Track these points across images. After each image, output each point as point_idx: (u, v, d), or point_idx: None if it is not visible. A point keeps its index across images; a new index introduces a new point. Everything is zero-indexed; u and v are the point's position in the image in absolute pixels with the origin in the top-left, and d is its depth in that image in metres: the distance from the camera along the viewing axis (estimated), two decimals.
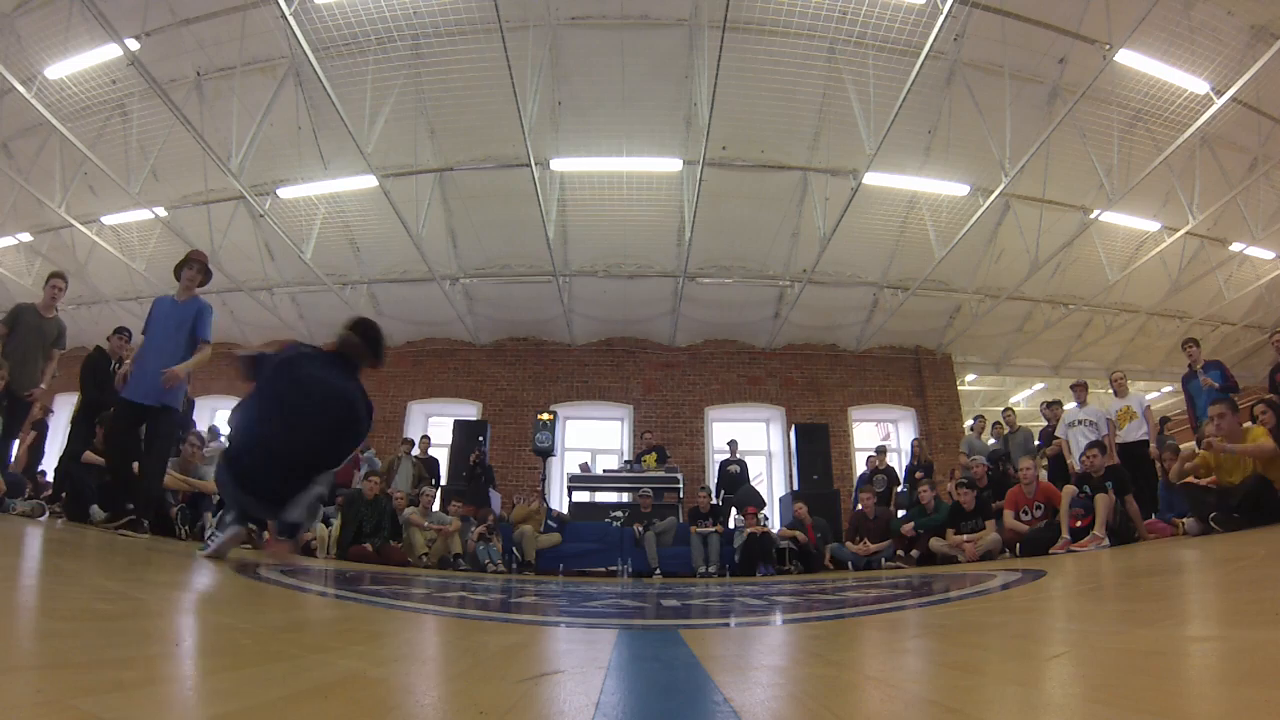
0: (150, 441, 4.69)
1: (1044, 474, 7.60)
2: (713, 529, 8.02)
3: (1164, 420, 8.11)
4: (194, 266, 4.73)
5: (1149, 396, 14.31)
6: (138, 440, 4.69)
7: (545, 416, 9.74)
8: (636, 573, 7.68)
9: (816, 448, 10.40)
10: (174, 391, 4.63)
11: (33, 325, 5.55)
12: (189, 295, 4.77)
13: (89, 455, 5.53)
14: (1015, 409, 11.67)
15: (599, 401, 12.65)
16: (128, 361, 4.77)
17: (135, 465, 4.67)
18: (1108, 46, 6.76)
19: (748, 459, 11.15)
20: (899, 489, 9.26)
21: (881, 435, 13.84)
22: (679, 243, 10.15)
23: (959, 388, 13.51)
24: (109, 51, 7.28)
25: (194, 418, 7.73)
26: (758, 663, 1.28)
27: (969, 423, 10.53)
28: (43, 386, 5.61)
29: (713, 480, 10.96)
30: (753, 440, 12.88)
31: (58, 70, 7.70)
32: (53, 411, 7.25)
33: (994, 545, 6.50)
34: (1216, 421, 5.10)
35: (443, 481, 9.70)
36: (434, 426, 12.25)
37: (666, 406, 12.58)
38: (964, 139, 8.53)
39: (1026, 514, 6.39)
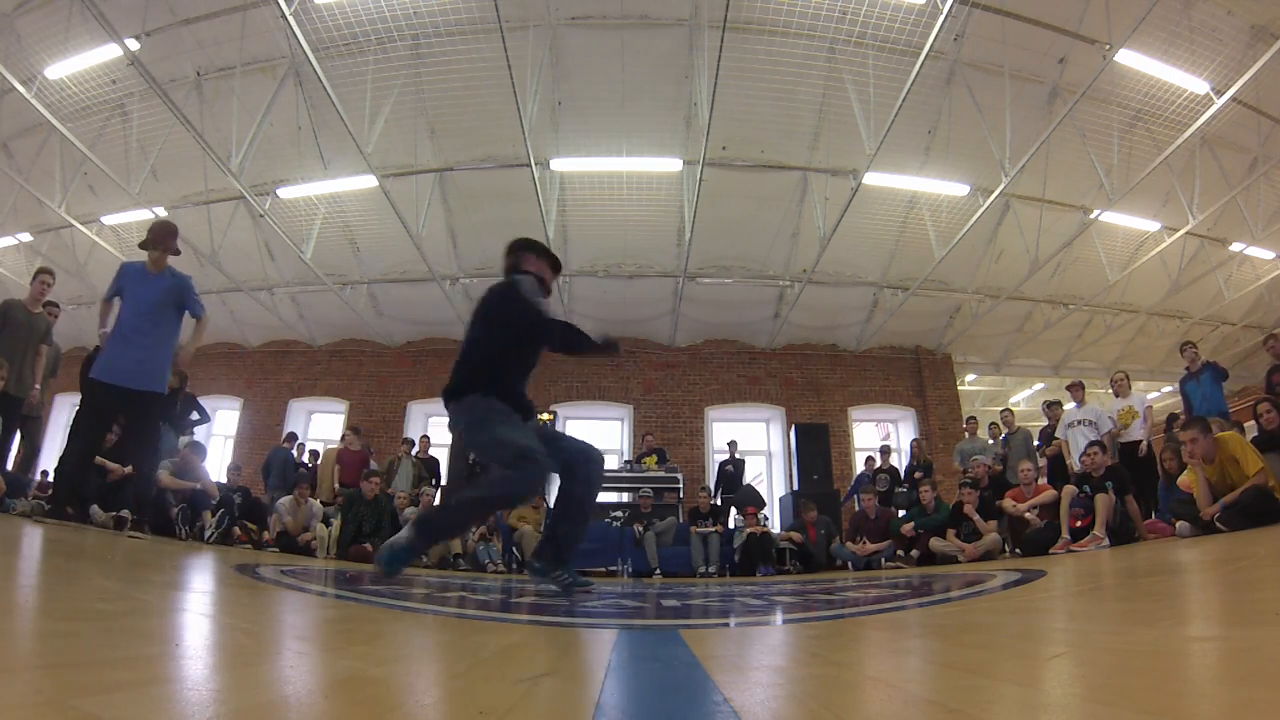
0: (140, 432, 4.54)
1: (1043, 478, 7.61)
2: (713, 529, 8.02)
3: (1173, 417, 8.09)
4: (159, 246, 4.54)
5: (1150, 396, 14.32)
6: (108, 430, 4.51)
7: (545, 416, 9.75)
8: (636, 573, 7.69)
9: (816, 448, 10.41)
10: (164, 375, 4.48)
11: (22, 321, 5.54)
12: (162, 267, 4.55)
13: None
14: (1014, 409, 11.67)
15: (599, 401, 12.65)
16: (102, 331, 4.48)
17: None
18: (1108, 46, 6.76)
19: (748, 459, 11.17)
20: (900, 489, 9.26)
21: (881, 435, 13.84)
22: (679, 243, 10.15)
23: (959, 388, 13.51)
24: (109, 51, 7.29)
25: (203, 414, 7.70)
26: (758, 663, 1.28)
27: (965, 423, 10.51)
28: (38, 386, 5.60)
29: (712, 480, 10.98)
30: (753, 440, 12.89)
31: (58, 70, 7.71)
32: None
33: (994, 545, 6.51)
34: (1189, 447, 5.09)
35: (443, 481, 9.70)
36: (434, 427, 12.25)
37: (666, 406, 12.58)
38: (964, 139, 8.53)
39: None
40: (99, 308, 4.63)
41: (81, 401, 4.51)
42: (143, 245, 4.61)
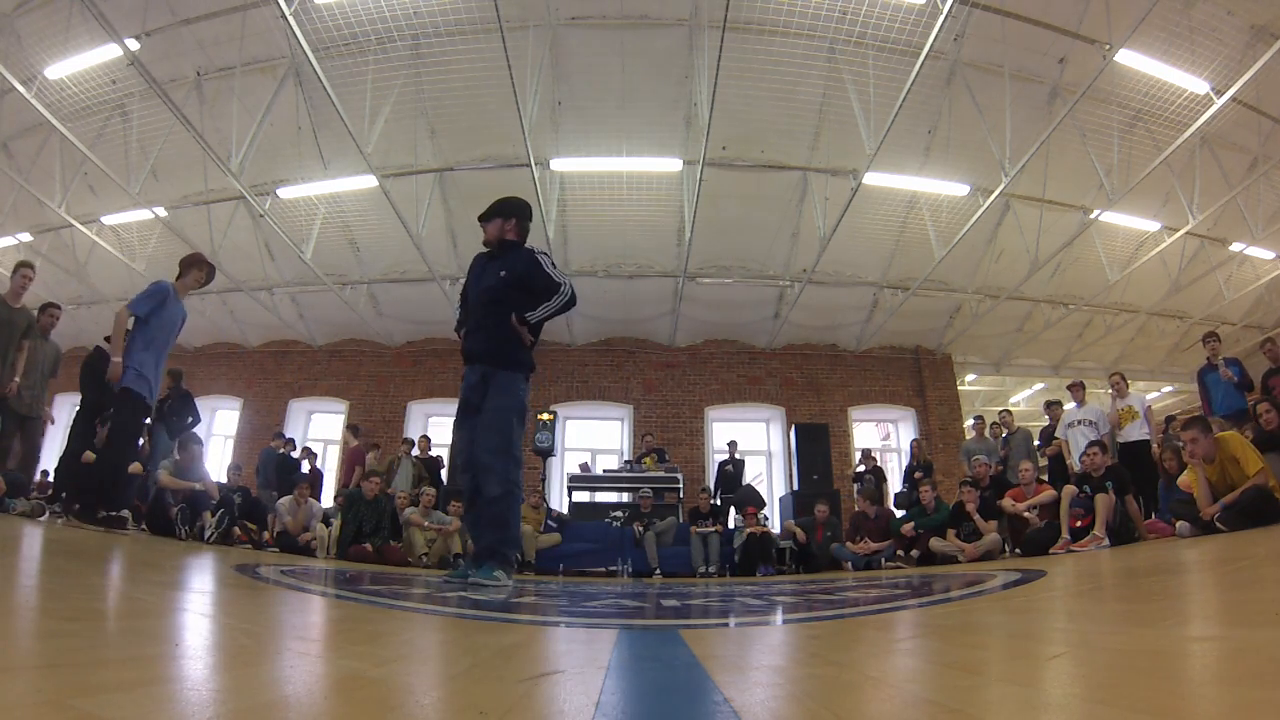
0: (135, 434, 5.07)
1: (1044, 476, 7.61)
2: (713, 529, 8.02)
3: (1169, 419, 8.09)
4: (204, 269, 5.02)
5: (1150, 396, 14.33)
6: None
7: (545, 416, 9.75)
8: (636, 573, 7.69)
9: (816, 448, 10.41)
10: None
11: (2, 318, 5.51)
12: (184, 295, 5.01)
13: (89, 455, 5.53)
14: (1013, 409, 11.67)
15: (599, 401, 12.65)
16: (115, 357, 4.78)
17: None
18: (1108, 46, 6.76)
19: (748, 459, 11.17)
20: (897, 490, 9.28)
21: (881, 435, 13.84)
22: (679, 243, 10.15)
23: (959, 388, 13.50)
24: (109, 51, 7.28)
25: (196, 416, 7.66)
26: (758, 663, 1.28)
27: (969, 422, 10.52)
28: (17, 380, 5.57)
29: (712, 480, 10.99)
30: (753, 440, 12.89)
31: (58, 70, 7.70)
32: (53, 420, 7.18)
33: (994, 545, 6.51)
34: (1190, 447, 5.10)
35: (444, 481, 9.70)
36: (434, 426, 12.26)
37: (666, 406, 12.58)
38: (964, 139, 8.53)
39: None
40: (124, 318, 4.74)
41: (123, 415, 4.76)
42: (181, 275, 4.99)
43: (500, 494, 3.12)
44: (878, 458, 10.25)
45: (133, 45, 6.72)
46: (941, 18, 6.13)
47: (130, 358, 4.67)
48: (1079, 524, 5.65)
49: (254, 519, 7.13)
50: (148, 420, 5.45)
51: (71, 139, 7.87)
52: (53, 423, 8.09)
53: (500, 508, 3.13)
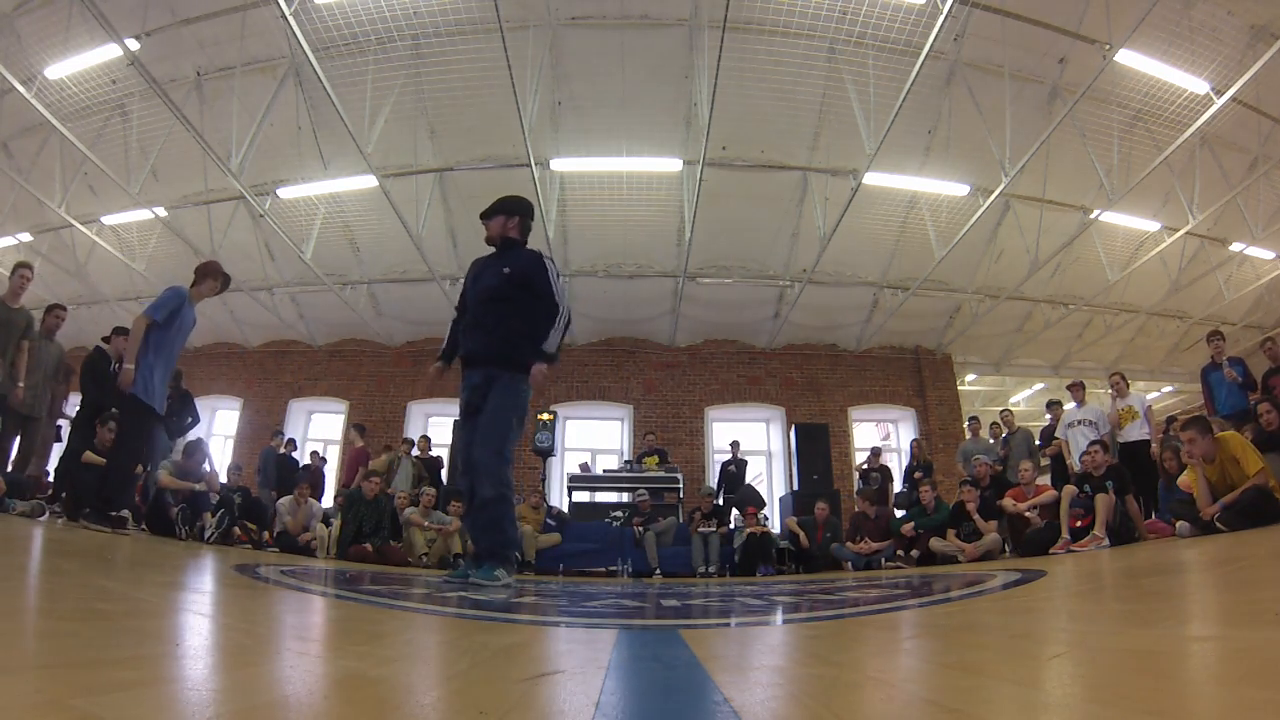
0: (142, 439, 4.96)
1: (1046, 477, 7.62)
2: (713, 529, 8.02)
3: (1170, 419, 8.10)
4: (219, 279, 5.17)
5: (1150, 396, 14.32)
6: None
7: (545, 416, 9.75)
8: (636, 573, 7.69)
9: (816, 448, 10.41)
10: None
11: (1, 319, 5.51)
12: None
13: (88, 455, 5.53)
14: (1014, 409, 11.65)
15: (599, 401, 12.64)
16: (128, 364, 4.69)
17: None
18: (1108, 46, 6.76)
19: (748, 459, 11.17)
20: (897, 489, 9.27)
21: (881, 435, 13.84)
22: (679, 243, 10.15)
23: (959, 388, 13.50)
24: (109, 51, 7.28)
25: (195, 416, 7.63)
26: (758, 663, 1.28)
27: (966, 423, 10.51)
28: (21, 385, 5.56)
29: (713, 479, 10.99)
30: (753, 440, 12.89)
31: (58, 70, 7.70)
32: (67, 417, 7.14)
33: (994, 545, 6.51)
34: (1188, 447, 5.10)
35: (444, 481, 9.70)
36: (434, 426, 12.25)
37: (666, 406, 12.58)
38: (964, 139, 8.53)
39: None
40: (142, 325, 4.68)
41: (128, 420, 4.72)
42: (196, 283, 5.11)
43: (493, 496, 3.11)
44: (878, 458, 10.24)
45: (133, 45, 6.72)
46: (941, 18, 6.13)
47: (140, 363, 4.63)
48: (1079, 524, 5.65)
49: (254, 519, 7.13)
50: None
51: (71, 139, 7.87)
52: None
53: (495, 511, 3.12)
